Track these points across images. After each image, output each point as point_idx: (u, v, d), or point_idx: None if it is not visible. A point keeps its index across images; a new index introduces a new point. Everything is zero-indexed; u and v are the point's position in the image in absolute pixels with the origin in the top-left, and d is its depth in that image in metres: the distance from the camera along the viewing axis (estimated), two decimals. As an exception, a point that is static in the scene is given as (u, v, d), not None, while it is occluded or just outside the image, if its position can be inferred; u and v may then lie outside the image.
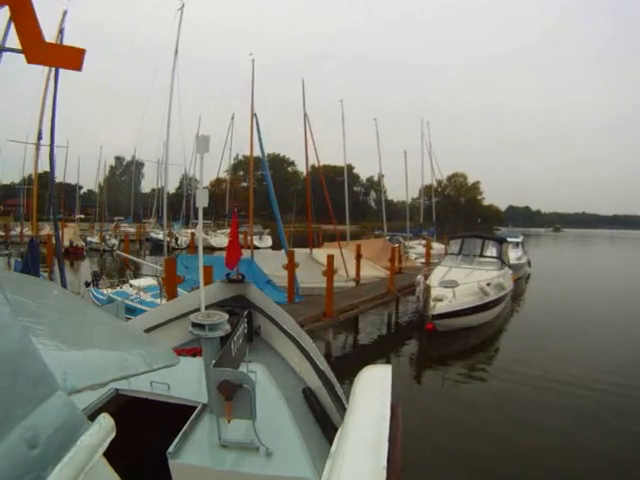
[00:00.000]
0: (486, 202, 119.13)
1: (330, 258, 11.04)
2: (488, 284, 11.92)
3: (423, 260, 21.17)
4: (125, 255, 17.86)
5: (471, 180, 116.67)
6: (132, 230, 40.23)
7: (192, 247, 27.02)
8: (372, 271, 16.58)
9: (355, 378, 2.02)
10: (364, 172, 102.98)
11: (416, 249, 25.85)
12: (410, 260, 20.83)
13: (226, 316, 2.77)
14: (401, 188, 35.37)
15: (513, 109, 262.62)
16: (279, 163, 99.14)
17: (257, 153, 15.50)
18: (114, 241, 32.65)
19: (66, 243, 29.62)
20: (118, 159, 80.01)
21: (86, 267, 25.19)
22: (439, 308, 10.50)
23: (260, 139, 14.88)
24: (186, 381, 3.02)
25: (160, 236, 38.83)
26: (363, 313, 12.06)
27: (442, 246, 22.74)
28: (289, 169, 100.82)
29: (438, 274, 12.89)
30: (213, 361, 2.35)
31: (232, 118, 36.85)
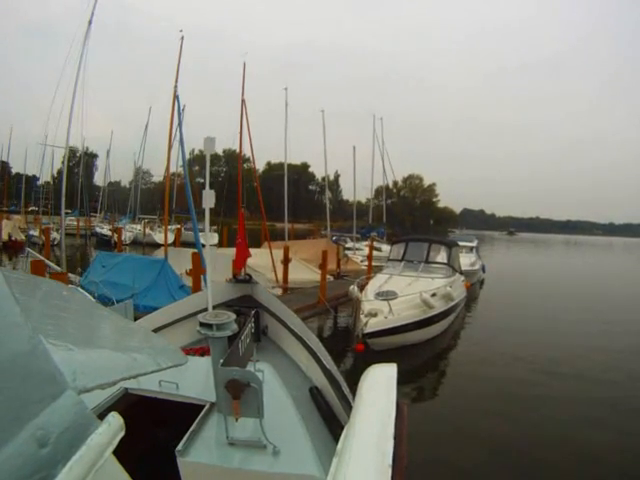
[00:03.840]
0: (441, 204, 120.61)
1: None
2: (433, 295, 10.21)
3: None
4: (34, 254, 15.86)
5: (427, 182, 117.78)
6: (81, 224, 37.90)
7: (119, 245, 24.54)
8: (311, 275, 14.78)
9: (361, 377, 2.03)
10: (322, 171, 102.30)
11: (363, 251, 24.12)
12: (355, 263, 19.11)
13: (233, 316, 2.75)
14: (358, 187, 34.03)
15: (470, 115, 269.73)
16: (235, 159, 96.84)
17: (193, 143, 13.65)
18: (55, 234, 29.71)
19: (5, 237, 28.29)
20: (71, 150, 75.72)
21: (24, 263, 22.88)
22: (372, 325, 8.74)
23: (180, 125, 12.87)
24: (194, 380, 2.99)
25: (104, 231, 36.89)
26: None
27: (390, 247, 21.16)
28: (244, 166, 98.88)
29: (375, 284, 11.10)
30: (221, 360, 2.31)
31: (182, 110, 34.60)
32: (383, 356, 8.66)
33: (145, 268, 11.37)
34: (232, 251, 14.74)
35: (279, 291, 12.62)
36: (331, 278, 14.45)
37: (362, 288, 10.84)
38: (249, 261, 12.62)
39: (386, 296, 9.51)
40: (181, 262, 11.72)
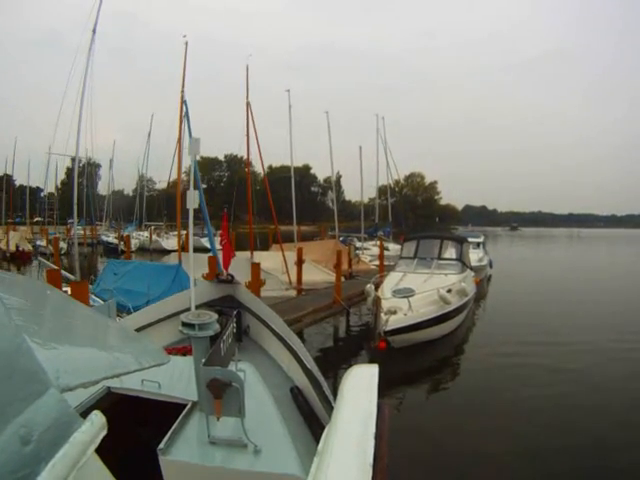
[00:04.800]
0: (443, 201, 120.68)
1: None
2: (449, 291, 10.25)
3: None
4: (46, 263, 16.05)
5: (428, 180, 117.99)
6: (87, 233, 37.96)
7: (128, 252, 24.60)
8: (321, 276, 14.83)
9: (342, 377, 2.03)
10: (323, 173, 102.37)
11: (371, 250, 24.19)
12: (364, 263, 19.11)
13: (215, 316, 2.75)
14: (359, 188, 33.86)
15: (468, 108, 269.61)
16: (238, 164, 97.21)
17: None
18: (62, 244, 29.70)
19: (12, 248, 28.35)
20: (74, 160, 75.55)
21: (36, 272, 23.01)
22: (393, 322, 8.73)
23: (189, 129, 12.95)
24: (176, 379, 3.04)
25: (110, 239, 37.00)
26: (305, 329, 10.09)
27: (398, 246, 21.08)
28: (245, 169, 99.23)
29: (391, 282, 11.12)
30: (203, 360, 2.33)
31: (186, 115, 34.56)
32: (403, 352, 8.74)
33: (159, 274, 11.37)
34: (243, 254, 14.87)
35: (293, 292, 12.62)
36: (343, 278, 14.46)
37: (377, 287, 10.85)
38: (263, 263, 12.75)
39: (404, 293, 9.54)
40: (194, 267, 11.71)
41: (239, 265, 10.85)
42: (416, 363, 8.94)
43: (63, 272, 11.69)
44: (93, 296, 10.59)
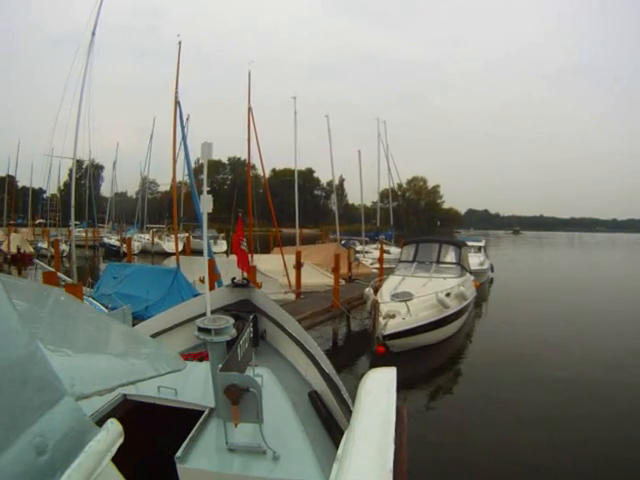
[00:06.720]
0: (445, 205, 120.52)
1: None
2: (448, 294, 10.21)
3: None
4: (43, 265, 16.02)
5: (431, 184, 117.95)
6: (88, 235, 37.89)
7: (129, 255, 24.54)
8: (322, 279, 14.76)
9: (360, 381, 2.03)
10: (327, 176, 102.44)
11: (372, 254, 24.17)
12: (365, 266, 19.07)
13: (232, 320, 2.76)
14: (362, 191, 33.76)
15: (471, 112, 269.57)
16: (240, 167, 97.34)
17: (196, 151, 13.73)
18: (64, 246, 29.52)
19: (13, 250, 28.36)
20: (78, 162, 75.52)
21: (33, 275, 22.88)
22: (391, 327, 8.71)
23: (183, 130, 12.93)
24: (193, 385, 3.04)
25: (113, 241, 37.00)
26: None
27: (399, 250, 21.09)
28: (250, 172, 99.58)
29: (390, 285, 11.07)
30: (220, 365, 2.32)
31: (187, 119, 34.79)
32: (402, 357, 8.69)
33: (158, 278, 11.25)
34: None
35: (292, 296, 12.57)
36: (343, 282, 14.45)
37: (376, 290, 10.84)
38: (260, 267, 12.73)
39: (403, 297, 9.51)
40: (193, 270, 11.70)
41: (235, 267, 10.82)
42: (415, 368, 8.88)
43: (60, 275, 11.67)
44: (93, 300, 10.56)
